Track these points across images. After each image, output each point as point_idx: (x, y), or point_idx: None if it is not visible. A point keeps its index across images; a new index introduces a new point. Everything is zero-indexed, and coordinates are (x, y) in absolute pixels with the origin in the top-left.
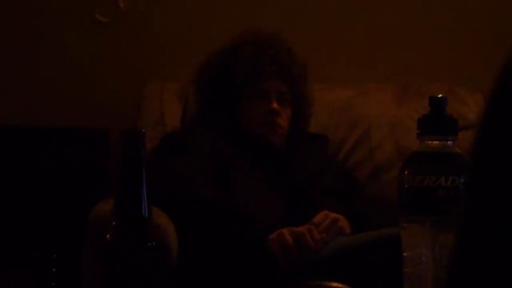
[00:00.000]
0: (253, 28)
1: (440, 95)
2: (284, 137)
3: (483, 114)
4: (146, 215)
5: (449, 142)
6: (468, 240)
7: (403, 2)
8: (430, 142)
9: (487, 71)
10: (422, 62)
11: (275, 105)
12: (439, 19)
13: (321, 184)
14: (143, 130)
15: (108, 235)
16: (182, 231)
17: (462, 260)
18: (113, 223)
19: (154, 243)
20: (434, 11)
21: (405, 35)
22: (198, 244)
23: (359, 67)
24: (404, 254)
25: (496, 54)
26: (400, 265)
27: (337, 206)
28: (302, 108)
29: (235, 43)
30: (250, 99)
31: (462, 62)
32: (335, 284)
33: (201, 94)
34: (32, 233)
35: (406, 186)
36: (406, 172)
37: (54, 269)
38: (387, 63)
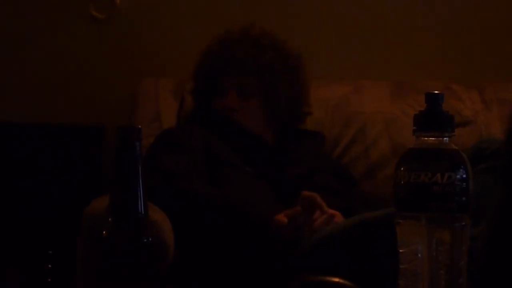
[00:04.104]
0: (244, 24)
1: (436, 92)
2: (256, 129)
3: None
4: (142, 212)
5: (445, 138)
6: (503, 227)
7: None
8: (426, 138)
9: (483, 68)
10: (417, 59)
11: (230, 101)
12: (435, 16)
13: (316, 180)
14: (139, 127)
15: (104, 232)
16: (178, 227)
17: (497, 246)
18: (109, 219)
19: (150, 239)
20: (430, 8)
21: (401, 31)
22: (195, 239)
23: (355, 64)
24: (400, 251)
25: (491, 51)
26: (394, 258)
27: (332, 203)
28: (276, 100)
29: (210, 40)
30: (214, 96)
31: (458, 59)
32: (336, 279)
33: (193, 90)
34: (27, 229)
35: (402, 182)
36: (402, 168)
37: (49, 266)
38: (383, 60)
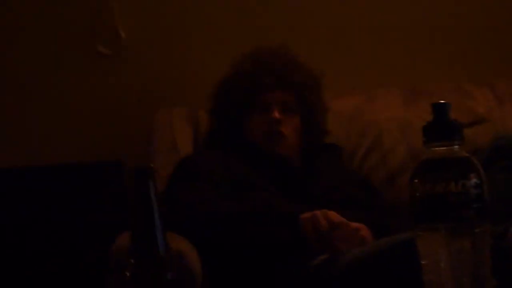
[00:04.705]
0: (260, 44)
1: (442, 101)
2: (291, 147)
3: None
4: (163, 250)
5: (455, 146)
6: None
7: (405, 2)
8: (436, 148)
9: (493, 65)
10: (427, 62)
11: (276, 114)
12: (442, 16)
13: (340, 195)
14: (152, 165)
15: (127, 273)
16: (206, 252)
17: None
18: (131, 260)
19: (173, 274)
20: (437, 10)
21: (408, 35)
22: (225, 261)
23: (365, 73)
24: (422, 263)
25: (500, 48)
26: (416, 270)
27: (357, 216)
28: (311, 117)
29: (235, 62)
30: (253, 112)
31: (467, 58)
32: None
33: (211, 115)
34: (51, 270)
35: (417, 194)
36: (416, 180)
37: None
38: (393, 66)
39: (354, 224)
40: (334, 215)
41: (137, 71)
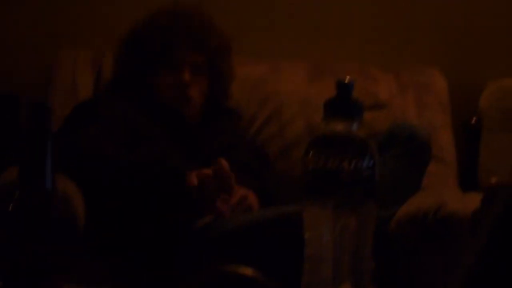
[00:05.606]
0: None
1: (347, 78)
2: (196, 109)
3: None
4: (50, 187)
5: (354, 125)
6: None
7: None
8: (334, 125)
9: (399, 52)
10: (336, 41)
11: (186, 76)
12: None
13: (232, 158)
14: (49, 104)
15: (10, 206)
16: (94, 196)
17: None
18: (16, 193)
19: (57, 214)
20: None
21: (319, 14)
22: (110, 208)
23: (273, 44)
24: (306, 235)
25: (408, 35)
26: (299, 244)
27: (246, 182)
28: (219, 81)
29: (151, 14)
30: (163, 69)
31: (375, 42)
32: (245, 270)
33: (117, 63)
34: None
35: (310, 167)
36: (310, 153)
37: None
38: (301, 40)
39: (242, 190)
40: (222, 177)
41: (44, 7)
